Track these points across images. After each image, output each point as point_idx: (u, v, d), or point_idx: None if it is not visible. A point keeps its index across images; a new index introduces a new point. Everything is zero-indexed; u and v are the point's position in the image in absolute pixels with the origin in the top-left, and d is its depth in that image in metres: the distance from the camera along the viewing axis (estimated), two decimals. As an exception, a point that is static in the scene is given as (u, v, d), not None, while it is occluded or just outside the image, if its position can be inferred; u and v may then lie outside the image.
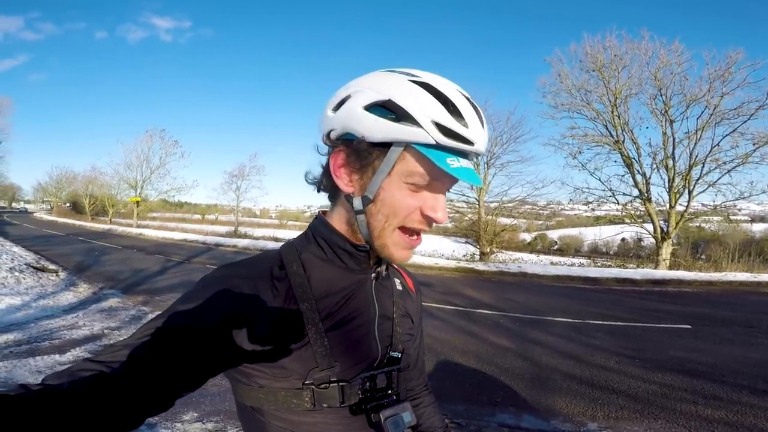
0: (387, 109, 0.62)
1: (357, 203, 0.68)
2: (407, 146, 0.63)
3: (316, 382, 0.66)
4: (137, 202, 32.44)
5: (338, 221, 0.73)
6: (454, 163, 0.62)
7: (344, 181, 0.69)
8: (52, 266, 9.82)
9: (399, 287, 0.85)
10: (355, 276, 0.74)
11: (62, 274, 9.12)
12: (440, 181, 0.66)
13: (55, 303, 6.82)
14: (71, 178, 49.74)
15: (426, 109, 0.61)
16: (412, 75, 0.64)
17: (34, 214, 49.63)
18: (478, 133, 0.64)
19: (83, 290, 7.84)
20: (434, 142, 0.61)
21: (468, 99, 0.65)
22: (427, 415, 0.95)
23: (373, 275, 0.76)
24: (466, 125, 0.62)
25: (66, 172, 51.34)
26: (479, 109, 0.66)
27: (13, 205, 76.79)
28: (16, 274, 8.20)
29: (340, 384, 0.67)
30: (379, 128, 0.63)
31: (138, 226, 30.00)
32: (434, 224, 0.69)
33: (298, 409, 0.67)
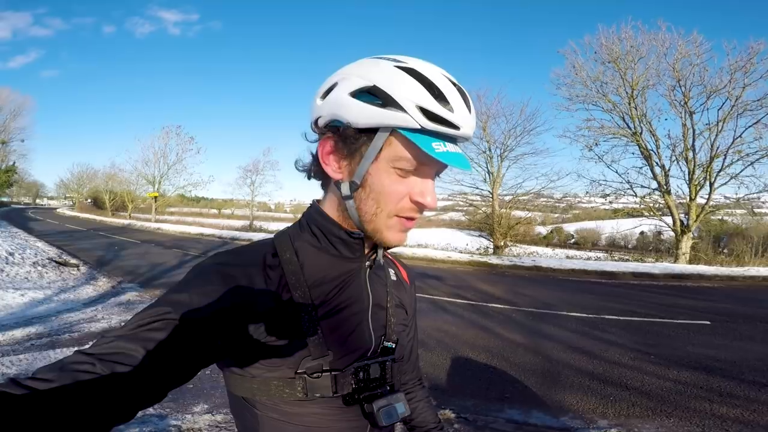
0: (373, 95, 0.63)
1: (345, 189, 0.68)
2: (393, 131, 0.63)
3: (308, 371, 0.66)
4: (155, 197, 33.10)
5: (330, 208, 0.73)
6: (439, 147, 0.62)
7: (333, 168, 0.69)
8: (73, 261, 10.08)
9: (393, 277, 0.85)
10: (349, 264, 0.74)
11: (83, 269, 9.35)
12: (427, 165, 0.66)
13: (76, 297, 7.01)
14: (92, 174, 50.85)
15: (410, 94, 0.61)
16: (399, 61, 0.65)
17: (57, 210, 50.99)
18: (463, 118, 0.63)
19: (103, 284, 8.03)
20: (419, 127, 0.61)
21: (454, 84, 0.65)
22: (419, 410, 0.95)
23: (367, 264, 0.76)
24: (451, 110, 0.62)
25: (87, 169, 52.53)
26: (466, 94, 0.66)
27: (38, 201, 79.06)
28: (39, 268, 8.46)
29: (333, 373, 0.67)
30: (364, 114, 0.63)
31: (156, 221, 30.61)
32: (426, 211, 0.69)
33: (290, 399, 0.66)
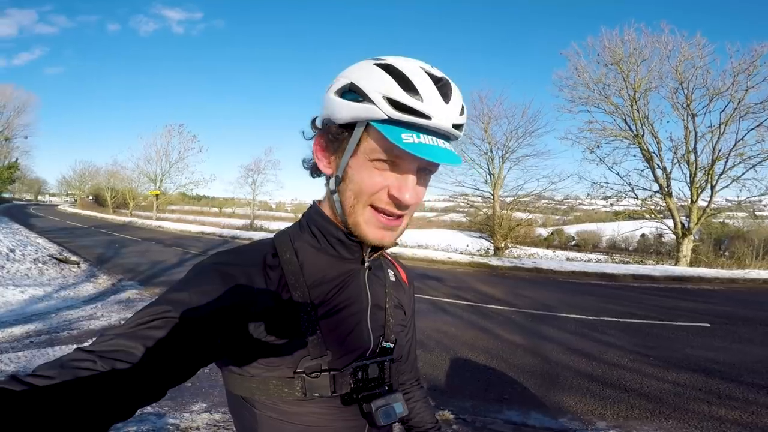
0: (353, 92, 0.65)
1: (331, 183, 0.71)
2: (368, 125, 0.65)
3: (307, 371, 0.67)
4: (157, 195, 33.13)
5: (327, 207, 0.75)
6: (409, 138, 0.61)
7: (324, 163, 0.72)
8: (74, 258, 10.07)
9: (392, 278, 0.86)
10: (348, 265, 0.75)
11: (83, 266, 9.35)
12: (404, 159, 0.65)
13: (76, 294, 7.02)
14: (94, 171, 51.03)
15: (379, 86, 0.63)
16: (379, 59, 0.67)
17: (59, 207, 51.02)
18: (435, 108, 0.62)
19: (103, 282, 8.04)
20: (386, 117, 0.62)
21: (432, 76, 0.64)
22: (417, 410, 0.95)
23: (366, 265, 0.77)
24: (420, 99, 0.62)
25: (89, 166, 52.78)
26: (450, 86, 0.66)
27: (39, 198, 79.17)
28: (40, 265, 8.46)
29: (332, 373, 0.68)
30: (344, 110, 0.65)
31: (157, 219, 30.57)
32: (407, 206, 0.67)
33: (289, 399, 0.67)
